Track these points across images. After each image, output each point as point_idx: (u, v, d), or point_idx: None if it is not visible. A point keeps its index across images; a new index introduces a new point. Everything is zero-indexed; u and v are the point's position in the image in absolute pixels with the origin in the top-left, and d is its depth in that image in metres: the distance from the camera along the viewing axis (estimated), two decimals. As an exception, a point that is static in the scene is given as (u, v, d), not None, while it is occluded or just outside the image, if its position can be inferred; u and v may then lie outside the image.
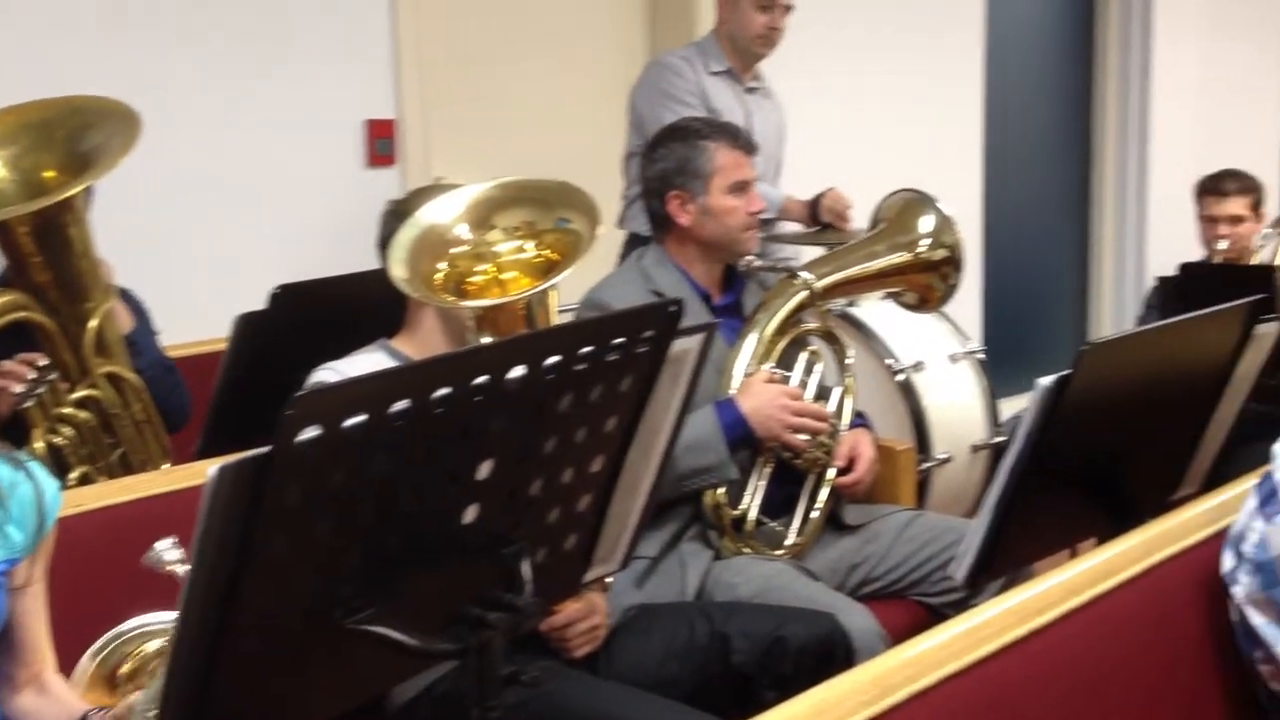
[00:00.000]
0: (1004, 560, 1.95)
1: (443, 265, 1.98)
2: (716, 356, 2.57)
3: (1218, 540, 1.73)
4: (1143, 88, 5.89)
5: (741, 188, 2.59)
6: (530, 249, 2.03)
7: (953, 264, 2.81)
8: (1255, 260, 4.04)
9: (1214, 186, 4.00)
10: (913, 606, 2.58)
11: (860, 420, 2.73)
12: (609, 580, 2.11)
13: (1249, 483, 1.72)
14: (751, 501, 2.53)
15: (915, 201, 2.86)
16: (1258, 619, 1.59)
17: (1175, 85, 5.98)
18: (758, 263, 2.71)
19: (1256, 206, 3.99)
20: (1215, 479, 2.19)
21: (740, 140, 2.61)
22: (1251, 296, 2.05)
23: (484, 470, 1.28)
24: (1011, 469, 1.85)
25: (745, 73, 3.66)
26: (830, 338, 2.73)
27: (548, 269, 2.00)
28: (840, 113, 4.57)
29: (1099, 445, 1.99)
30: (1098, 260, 6.12)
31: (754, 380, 2.52)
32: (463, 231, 2.00)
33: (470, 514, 1.29)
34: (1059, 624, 1.54)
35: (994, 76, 5.25)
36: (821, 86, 4.45)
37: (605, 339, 1.35)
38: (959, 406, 3.48)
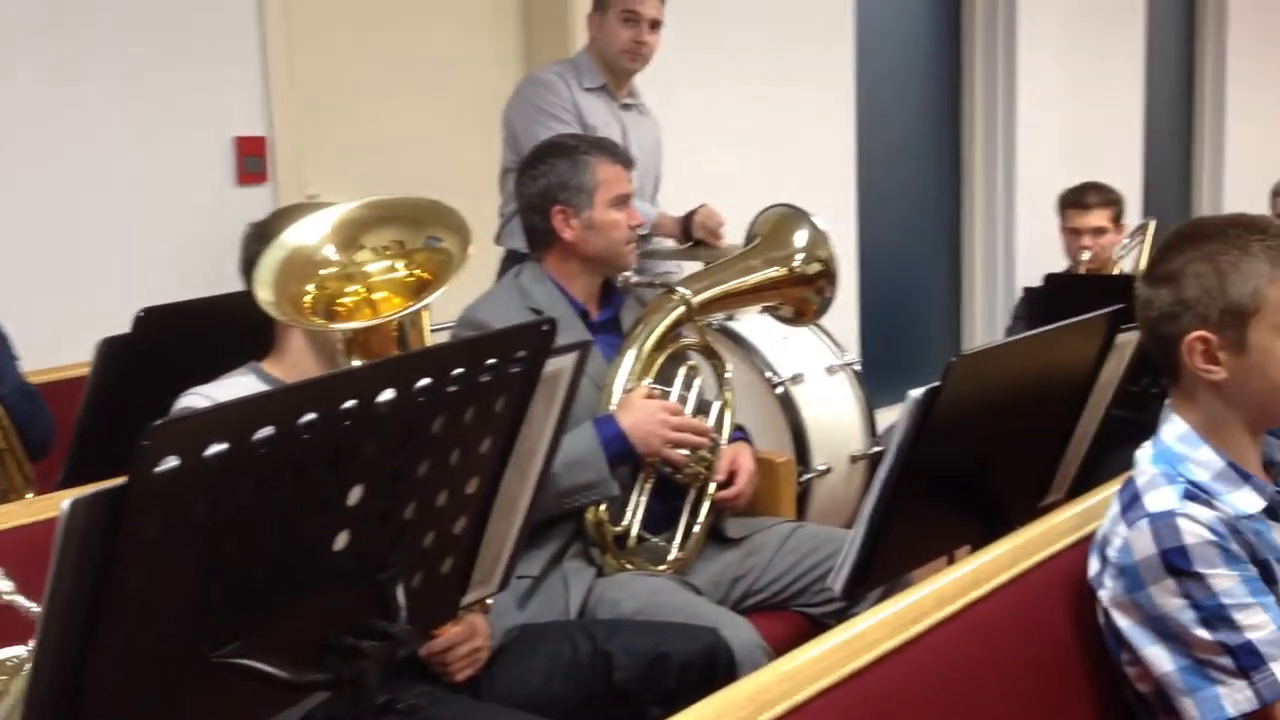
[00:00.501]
0: (881, 571, 1.98)
1: (311, 287, 1.94)
2: (595, 373, 2.57)
3: (1084, 545, 1.77)
4: (1008, 103, 6.05)
5: (622, 202, 2.60)
6: (401, 269, 1.99)
7: (827, 277, 2.85)
8: (1117, 270, 4.18)
9: (1076, 199, 4.12)
10: (795, 618, 2.60)
11: (740, 434, 2.75)
12: (490, 601, 2.08)
13: (1113, 488, 1.76)
14: (633, 518, 2.53)
15: (789, 216, 2.90)
16: (1123, 621, 1.63)
17: (1039, 100, 6.15)
18: (635, 279, 2.72)
19: (1117, 218, 4.12)
20: (1083, 484, 2.25)
21: (619, 155, 2.63)
22: (1112, 306, 2.11)
23: (355, 496, 1.26)
24: (885, 480, 1.87)
25: (619, 89, 3.67)
26: (709, 352, 2.74)
27: (419, 289, 1.97)
28: (715, 127, 4.61)
29: (969, 454, 2.03)
30: (969, 271, 6.26)
31: (633, 396, 2.52)
32: (330, 252, 1.96)
33: (341, 540, 1.27)
34: (932, 632, 1.56)
35: (865, 92, 5.34)
36: (696, 102, 4.49)
37: (477, 359, 1.34)
38: (837, 417, 3.53)
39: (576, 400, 2.49)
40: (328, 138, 3.79)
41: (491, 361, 1.36)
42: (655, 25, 3.62)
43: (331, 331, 1.98)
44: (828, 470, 3.44)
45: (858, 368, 3.63)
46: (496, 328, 2.26)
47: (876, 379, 4.50)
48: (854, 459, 3.53)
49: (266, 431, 1.10)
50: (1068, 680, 1.73)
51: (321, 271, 1.95)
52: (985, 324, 6.23)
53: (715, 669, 2.19)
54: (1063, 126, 6.34)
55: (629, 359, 2.58)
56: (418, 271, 2.00)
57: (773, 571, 2.63)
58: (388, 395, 1.23)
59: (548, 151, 2.65)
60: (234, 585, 1.17)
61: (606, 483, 2.45)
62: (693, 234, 3.56)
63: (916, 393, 1.83)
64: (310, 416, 1.13)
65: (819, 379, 3.52)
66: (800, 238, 2.84)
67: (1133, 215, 5.55)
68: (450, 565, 1.47)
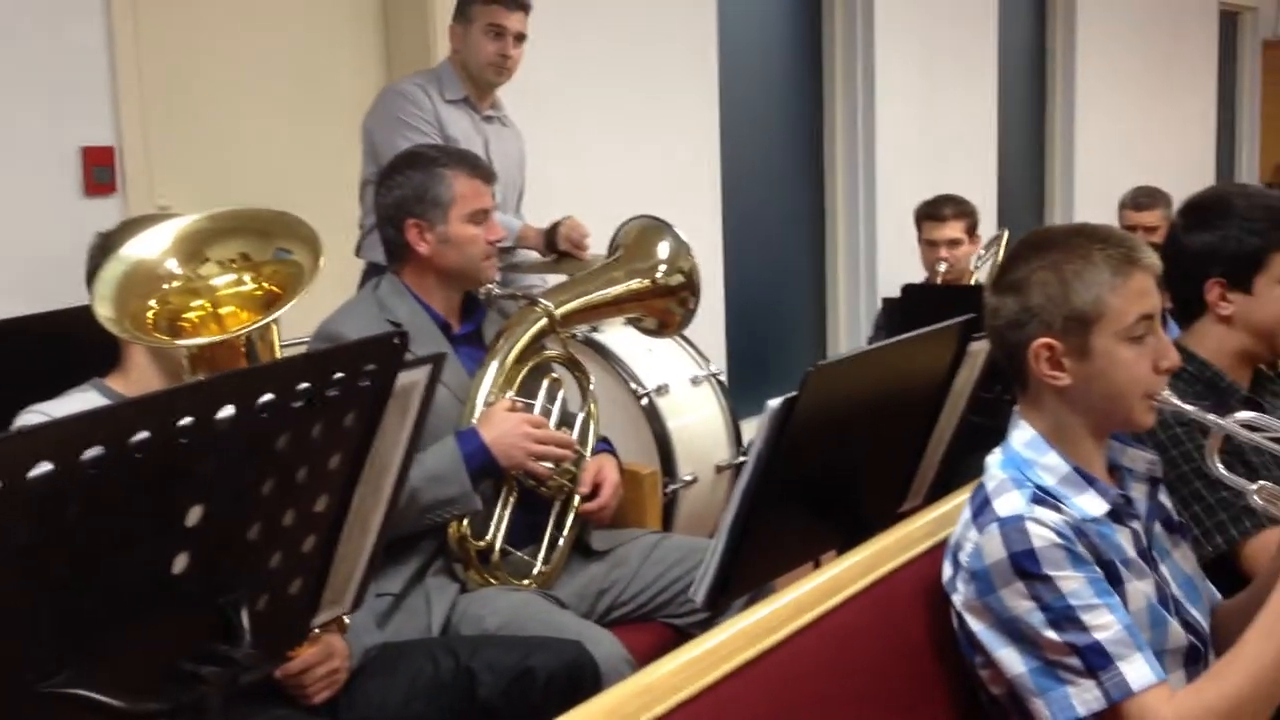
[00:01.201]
0: (742, 580, 1.98)
1: (153, 302, 1.87)
2: (458, 386, 2.54)
3: (939, 551, 1.79)
4: (867, 117, 6.16)
5: (480, 216, 2.56)
6: (249, 282, 1.94)
7: (689, 289, 2.86)
8: (973, 280, 4.27)
9: (932, 212, 4.21)
10: (661, 629, 2.60)
11: (604, 446, 2.74)
12: (347, 621, 2.04)
13: (966, 494, 1.79)
14: (497, 532, 2.50)
15: (652, 228, 2.90)
16: (976, 625, 1.66)
17: (897, 115, 6.27)
18: (498, 291, 2.69)
19: (972, 230, 4.21)
20: (942, 490, 2.29)
21: (479, 169, 2.59)
22: (964, 315, 2.15)
23: (194, 516, 1.21)
24: (744, 490, 1.88)
25: (482, 101, 3.64)
26: (572, 364, 2.73)
27: (268, 302, 1.92)
28: (580, 139, 4.60)
29: (828, 462, 2.05)
30: (833, 282, 6.35)
31: (495, 409, 2.49)
32: (173, 266, 1.90)
33: (180, 563, 1.22)
34: (791, 641, 1.56)
35: (728, 105, 5.39)
36: (560, 113, 4.48)
37: (324, 373, 1.30)
38: (702, 428, 3.54)
39: (438, 414, 2.51)
40: (181, 147, 3.68)
41: (339, 375, 1.32)
42: (520, 39, 3.60)
43: (176, 348, 1.92)
44: (694, 480, 3.45)
45: (722, 378, 3.65)
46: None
47: (742, 389, 4.54)
48: (720, 469, 3.54)
49: (96, 451, 1.05)
50: (924, 684, 1.75)
51: (164, 286, 1.89)
52: (850, 333, 6.32)
53: (580, 683, 2.17)
54: (921, 140, 6.48)
55: (491, 372, 2.56)
56: (266, 285, 1.94)
57: (638, 583, 2.62)
58: (227, 412, 1.19)
59: (404, 163, 2.60)
60: (64, 611, 1.12)
61: (469, 497, 2.42)
62: (557, 246, 3.54)
63: (774, 403, 1.84)
64: (143, 435, 1.09)
65: (684, 390, 3.53)
66: (663, 249, 2.85)
67: (988, 226, 5.69)
68: (299, 586, 1.43)
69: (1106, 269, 1.65)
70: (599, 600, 2.61)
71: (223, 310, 1.94)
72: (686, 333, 3.72)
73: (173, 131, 3.64)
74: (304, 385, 1.28)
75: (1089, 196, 7.97)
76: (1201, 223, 2.15)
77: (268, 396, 1.23)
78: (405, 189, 2.54)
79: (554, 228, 3.55)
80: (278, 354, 1.96)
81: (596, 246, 3.49)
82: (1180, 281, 2.18)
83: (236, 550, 1.29)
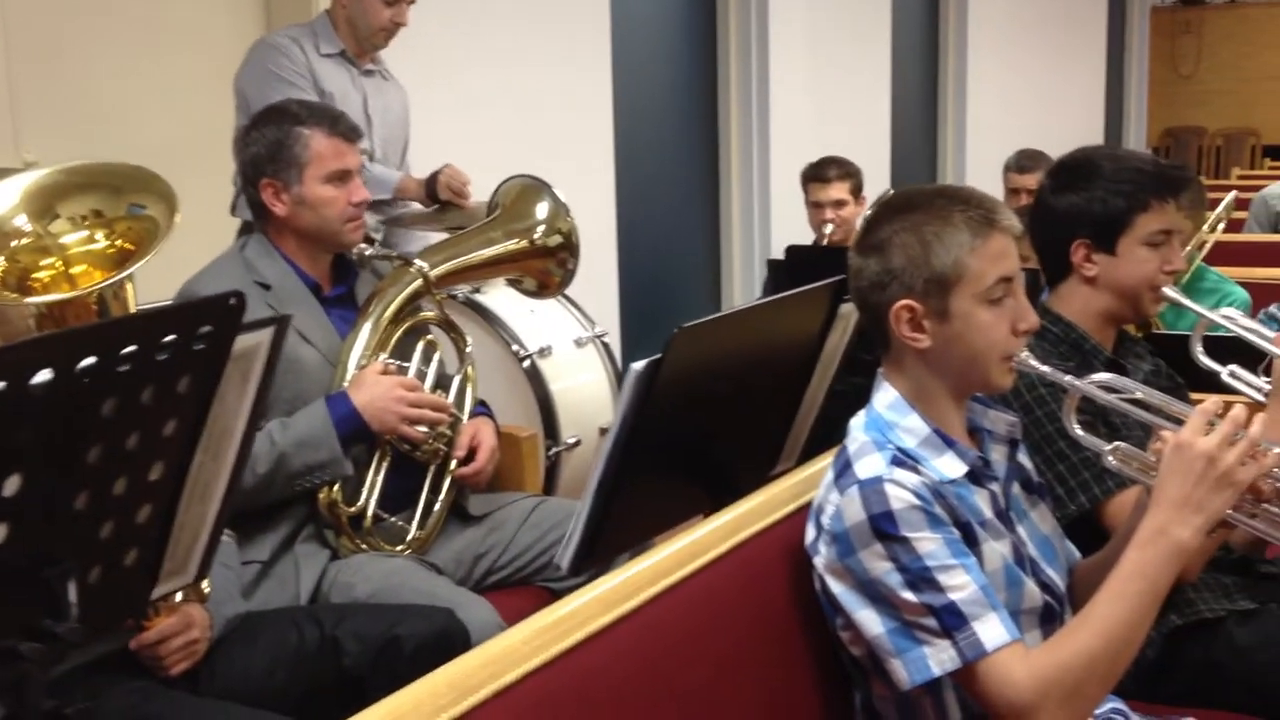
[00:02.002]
0: (609, 544, 1.96)
1: (1, 260, 1.80)
2: (329, 348, 2.48)
3: (804, 513, 1.78)
4: (761, 80, 6.15)
5: (341, 177, 2.47)
6: (101, 239, 1.87)
7: (568, 249, 2.83)
8: (860, 242, 4.27)
9: (817, 174, 4.22)
10: (539, 593, 2.58)
11: (482, 409, 2.70)
12: (207, 590, 1.98)
13: (830, 457, 1.78)
14: (369, 497, 2.46)
15: (531, 188, 2.86)
16: (836, 587, 1.65)
17: (791, 77, 6.28)
18: (371, 250, 2.63)
19: (857, 191, 4.23)
20: (819, 452, 2.28)
21: (340, 126, 2.49)
22: (835, 277, 2.14)
23: (11, 486, 1.16)
24: (609, 453, 1.86)
25: (360, 55, 3.55)
26: (448, 325, 2.68)
27: (121, 260, 1.85)
28: (470, 94, 4.52)
29: (696, 425, 2.03)
30: (728, 243, 6.35)
31: (367, 372, 2.44)
32: (22, 222, 1.83)
33: (-3, 535, 1.16)
34: (649, 606, 1.54)
35: (621, 65, 5.34)
36: (450, 68, 4.39)
37: (153, 336, 1.25)
38: (586, 390, 3.52)
39: (309, 377, 2.45)
40: (49, 103, 3.54)
41: (171, 339, 1.27)
42: (411, 2, 3.52)
43: (23, 306, 1.84)
44: (577, 443, 3.43)
45: (608, 339, 3.62)
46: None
47: (637, 350, 4.52)
48: (604, 431, 3.51)
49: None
50: (787, 648, 1.75)
51: (13, 244, 1.82)
52: (744, 294, 6.33)
53: (450, 651, 2.10)
54: (814, 101, 6.49)
55: (364, 334, 2.50)
56: (120, 242, 1.88)
57: (516, 547, 2.59)
58: (44, 376, 1.13)
59: (262, 119, 2.52)
60: None
61: (339, 462, 2.37)
62: (438, 195, 3.47)
63: (638, 365, 1.82)
64: (-57, 402, 1.03)
65: (568, 351, 3.50)
66: (541, 210, 2.81)
67: (878, 188, 5.72)
68: (134, 557, 1.38)
69: (966, 231, 1.65)
70: (476, 565, 2.58)
71: (75, 269, 1.87)
72: (576, 294, 3.69)
73: (39, 84, 3.50)
74: (130, 349, 1.22)
75: (981, 159, 8.06)
76: (1068, 184, 2.16)
77: (89, 360, 1.17)
78: (259, 146, 2.45)
79: (433, 177, 3.49)
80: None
81: (477, 198, 3.43)
82: (1047, 242, 2.20)
83: (61, 521, 1.24)
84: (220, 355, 1.34)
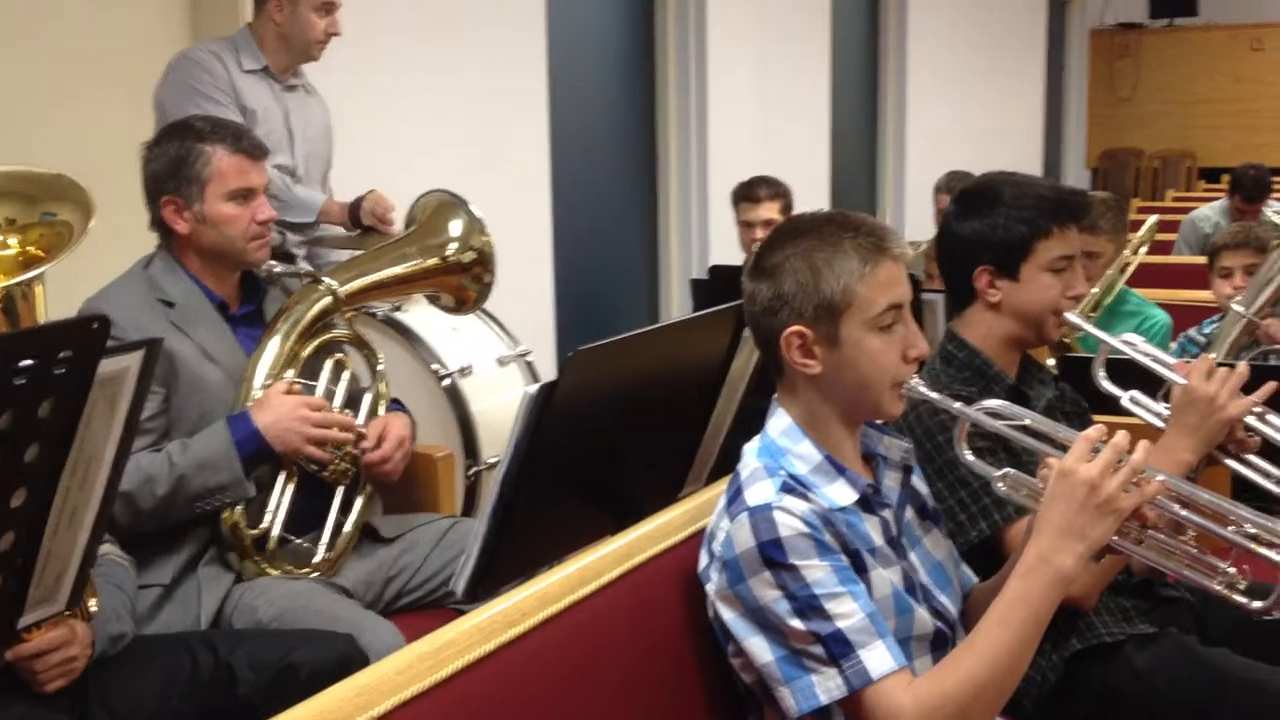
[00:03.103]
0: (505, 570, 1.94)
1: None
2: (235, 367, 2.44)
3: (699, 539, 1.77)
4: (700, 99, 6.16)
5: (244, 195, 2.43)
6: (12, 246, 1.85)
7: (484, 265, 2.79)
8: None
9: (747, 193, 4.22)
10: (451, 616, 2.52)
11: (396, 406, 2.66)
12: (94, 608, 1.93)
13: (725, 483, 1.77)
14: (274, 519, 2.41)
15: (447, 204, 2.83)
16: (727, 614, 1.64)
17: (730, 97, 6.28)
18: (280, 267, 2.58)
19: (787, 210, 4.22)
20: (726, 473, 2.27)
21: (243, 143, 2.45)
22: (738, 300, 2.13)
23: None
24: (503, 478, 1.84)
25: (284, 71, 3.51)
26: (359, 343, 2.64)
27: (27, 265, 1.82)
28: (400, 111, 4.49)
29: (598, 448, 2.01)
30: (665, 260, 6.35)
31: (271, 392, 2.40)
32: (-67, 228, 1.80)
33: None
34: (533, 634, 1.52)
35: (558, 84, 5.32)
36: (379, 83, 4.36)
37: (7, 361, 1.22)
38: (508, 409, 3.45)
39: (214, 396, 2.41)
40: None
41: (28, 363, 1.23)
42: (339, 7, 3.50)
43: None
44: (498, 463, 3.39)
45: (531, 359, 3.60)
46: (117, 321, 2.12)
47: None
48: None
49: None
50: (680, 675, 1.73)
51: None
52: (682, 312, 6.32)
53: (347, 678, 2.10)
54: (754, 123, 6.50)
55: (269, 351, 2.46)
56: (30, 249, 1.86)
57: (428, 569, 2.56)
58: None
59: (165, 135, 2.48)
60: None
61: (240, 485, 2.33)
62: (361, 220, 3.44)
63: (532, 389, 1.80)
64: None
65: (489, 370, 3.47)
66: (455, 226, 2.79)
67: (820, 208, 5.73)
68: (-4, 585, 1.34)
69: (856, 258, 1.64)
70: (386, 587, 2.55)
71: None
72: (510, 311, 3.67)
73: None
74: (-17, 373, 1.19)
75: (920, 179, 8.10)
76: (972, 211, 2.16)
77: (-63, 386, 1.14)
78: (160, 163, 2.42)
79: (358, 203, 3.46)
80: (40, 319, 1.87)
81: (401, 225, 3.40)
82: (952, 268, 2.20)
83: (-89, 550, 1.20)
84: (83, 380, 1.31)
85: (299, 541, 2.46)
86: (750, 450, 1.73)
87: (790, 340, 1.67)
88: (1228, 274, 3.72)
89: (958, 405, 1.71)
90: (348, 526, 2.51)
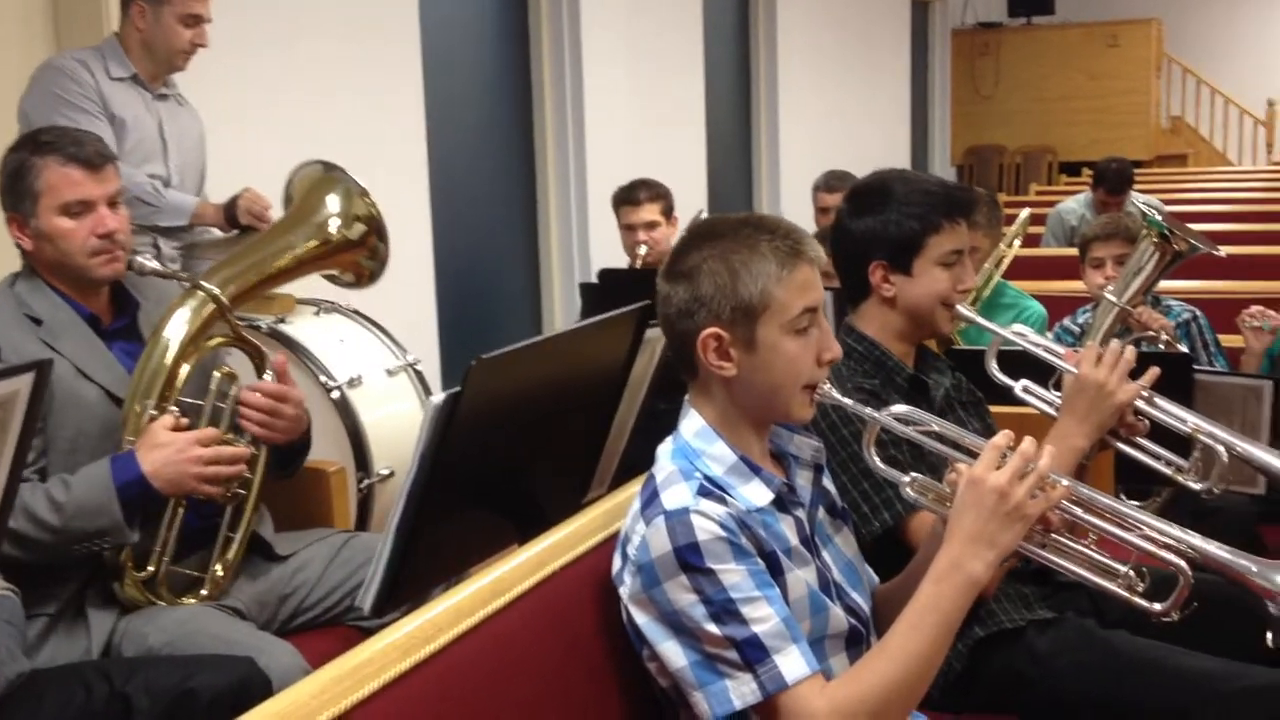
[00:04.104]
0: (414, 584, 1.90)
1: None
2: (112, 383, 2.33)
3: (612, 543, 1.76)
4: (576, 106, 6.15)
5: (79, 208, 2.32)
6: None
7: (376, 234, 2.66)
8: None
9: (627, 197, 4.22)
10: (350, 634, 2.48)
11: None
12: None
13: (638, 485, 1.76)
14: (161, 559, 2.32)
15: (321, 180, 2.68)
16: (642, 618, 1.63)
17: (606, 103, 6.29)
18: (151, 265, 2.45)
19: (668, 212, 4.23)
20: (630, 477, 2.26)
21: (80, 152, 2.33)
22: (641, 302, 2.12)
23: None
24: (410, 490, 1.80)
25: (153, 79, 3.41)
26: (244, 343, 2.50)
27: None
28: (274, 119, 4.39)
29: (503, 456, 1.99)
30: (547, 266, 6.33)
31: (156, 429, 2.27)
32: None
33: None
34: (449, 650, 1.49)
35: (434, 94, 5.26)
36: (252, 92, 4.26)
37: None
38: (399, 420, 3.42)
39: (93, 416, 2.30)
40: None
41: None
42: (207, 20, 3.40)
43: None
44: (390, 475, 3.34)
45: (421, 368, 3.54)
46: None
47: (455, 377, 4.43)
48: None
49: None
50: (597, 682, 1.72)
51: None
52: (566, 318, 6.31)
53: (249, 702, 2.00)
54: (630, 126, 6.51)
55: (151, 372, 2.35)
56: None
57: (324, 586, 2.50)
58: None
59: (11, 148, 2.37)
60: None
61: (121, 531, 2.22)
62: (239, 220, 3.35)
63: (437, 399, 1.77)
64: None
65: (379, 381, 3.40)
66: (333, 202, 2.64)
67: (696, 210, 5.77)
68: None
69: (773, 260, 1.65)
70: (281, 606, 2.49)
71: None
72: (392, 322, 3.60)
73: None
74: None
75: (794, 179, 8.22)
76: (864, 208, 2.19)
77: None
78: (3, 178, 2.32)
79: (233, 202, 3.37)
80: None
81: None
82: (847, 264, 2.23)
83: None
84: (-29, 405, 1.25)
85: (183, 570, 2.37)
86: (664, 452, 1.72)
87: (707, 342, 1.66)
88: (1099, 264, 3.83)
89: (868, 411, 1.72)
90: (235, 544, 2.43)
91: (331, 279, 2.78)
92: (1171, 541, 1.66)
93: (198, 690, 2.00)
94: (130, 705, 1.99)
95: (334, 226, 2.63)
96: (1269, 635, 1.66)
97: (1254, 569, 1.66)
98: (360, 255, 2.68)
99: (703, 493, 1.63)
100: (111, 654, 2.24)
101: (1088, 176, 7.12)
